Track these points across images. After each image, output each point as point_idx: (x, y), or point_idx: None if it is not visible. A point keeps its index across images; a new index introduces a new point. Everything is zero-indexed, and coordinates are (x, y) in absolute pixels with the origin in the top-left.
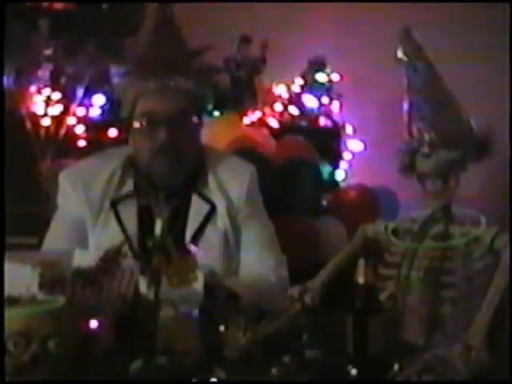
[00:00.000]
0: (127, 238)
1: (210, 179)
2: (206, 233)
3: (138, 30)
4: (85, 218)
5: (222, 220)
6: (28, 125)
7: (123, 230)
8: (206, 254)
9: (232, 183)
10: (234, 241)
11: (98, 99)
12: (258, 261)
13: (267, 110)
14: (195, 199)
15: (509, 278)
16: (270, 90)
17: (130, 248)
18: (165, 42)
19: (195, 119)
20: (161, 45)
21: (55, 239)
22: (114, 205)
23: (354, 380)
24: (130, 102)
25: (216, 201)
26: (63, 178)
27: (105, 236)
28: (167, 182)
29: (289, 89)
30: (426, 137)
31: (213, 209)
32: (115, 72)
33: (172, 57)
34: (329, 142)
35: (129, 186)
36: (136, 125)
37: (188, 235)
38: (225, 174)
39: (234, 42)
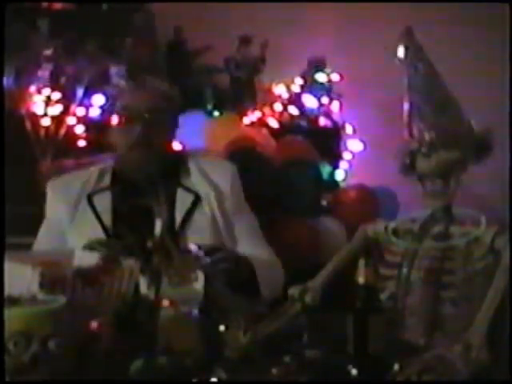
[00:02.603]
0: (103, 228)
1: (193, 171)
2: (194, 218)
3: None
4: (63, 217)
5: (209, 205)
6: (28, 125)
7: (100, 221)
8: (196, 238)
9: (215, 172)
10: (223, 225)
11: (98, 99)
12: (253, 249)
13: (267, 110)
14: (180, 192)
15: (509, 278)
16: (269, 90)
17: (129, 248)
18: (143, 46)
19: (170, 119)
20: (140, 47)
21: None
22: (90, 198)
23: (354, 380)
24: (110, 103)
25: (200, 189)
26: (48, 188)
27: (82, 229)
28: (142, 174)
29: (289, 89)
30: (426, 137)
31: (198, 198)
32: (115, 72)
33: (150, 58)
34: (329, 142)
35: (106, 182)
36: (114, 122)
37: (177, 224)
38: (208, 165)
39: (233, 42)
